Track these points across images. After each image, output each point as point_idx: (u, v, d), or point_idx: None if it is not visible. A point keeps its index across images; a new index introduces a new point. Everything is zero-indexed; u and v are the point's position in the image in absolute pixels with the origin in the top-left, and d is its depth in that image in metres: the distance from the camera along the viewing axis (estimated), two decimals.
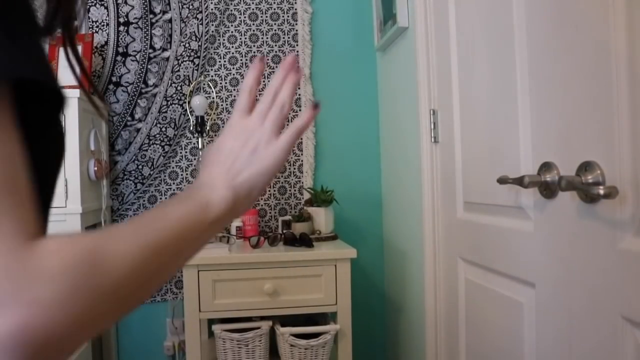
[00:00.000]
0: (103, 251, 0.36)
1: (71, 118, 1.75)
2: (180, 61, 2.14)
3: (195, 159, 2.17)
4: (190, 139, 2.18)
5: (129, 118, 2.12)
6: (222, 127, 2.21)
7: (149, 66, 2.14)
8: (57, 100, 0.40)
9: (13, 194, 0.33)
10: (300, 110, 2.24)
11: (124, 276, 0.37)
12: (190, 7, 2.16)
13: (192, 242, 0.48)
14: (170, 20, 2.17)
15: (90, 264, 0.35)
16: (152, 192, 2.15)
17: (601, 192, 0.78)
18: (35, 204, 0.35)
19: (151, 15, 2.16)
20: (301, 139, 2.23)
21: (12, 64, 0.35)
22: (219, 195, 0.51)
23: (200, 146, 2.09)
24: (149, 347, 2.16)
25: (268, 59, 2.23)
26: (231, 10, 2.22)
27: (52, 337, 0.32)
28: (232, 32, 2.22)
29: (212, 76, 2.21)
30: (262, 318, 1.82)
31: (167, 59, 2.14)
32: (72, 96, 1.75)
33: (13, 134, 0.35)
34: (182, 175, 2.18)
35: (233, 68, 2.21)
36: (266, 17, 2.23)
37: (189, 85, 2.15)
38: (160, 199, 2.15)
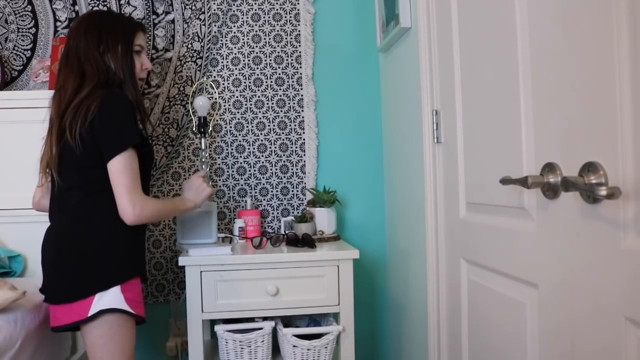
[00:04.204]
0: (157, 209, 1.47)
1: None
2: (182, 62, 2.14)
3: (197, 159, 2.18)
4: (193, 139, 2.19)
5: None
6: (225, 127, 2.21)
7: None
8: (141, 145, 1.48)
9: (137, 179, 1.42)
10: (303, 110, 2.24)
11: (158, 216, 1.52)
12: (193, 7, 2.17)
13: (176, 212, 1.68)
14: (172, 21, 2.17)
15: (154, 212, 1.45)
16: (154, 192, 2.15)
17: (604, 192, 0.78)
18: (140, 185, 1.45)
19: (154, 16, 2.16)
20: (303, 139, 2.24)
21: (133, 137, 1.43)
22: (190, 202, 1.66)
23: (202, 147, 2.09)
24: (152, 347, 2.16)
25: (270, 60, 2.24)
26: (234, 11, 2.22)
27: (140, 221, 1.42)
28: (234, 32, 2.22)
29: (214, 77, 2.21)
30: (265, 318, 1.82)
31: (170, 59, 2.15)
32: None
33: (135, 159, 1.43)
34: (184, 175, 2.18)
35: (235, 69, 2.22)
36: (269, 17, 2.23)
37: (191, 85, 2.16)
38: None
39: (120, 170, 1.38)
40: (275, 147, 2.24)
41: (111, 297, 1.39)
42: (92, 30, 1.51)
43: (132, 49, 1.56)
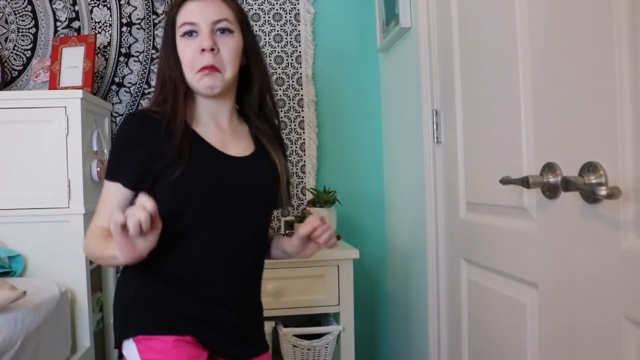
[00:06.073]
0: (87, 248, 1.10)
1: (74, 119, 1.76)
2: None
3: None
4: None
5: None
6: None
7: (151, 67, 2.14)
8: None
9: (101, 212, 1.11)
10: (303, 110, 2.24)
11: (91, 256, 1.12)
12: None
13: (103, 260, 1.09)
14: None
15: (86, 250, 1.11)
16: None
17: (604, 192, 0.78)
18: (106, 216, 1.06)
19: (154, 16, 2.16)
20: (303, 139, 2.24)
21: (110, 172, 1.11)
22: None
23: None
24: None
25: (270, 60, 2.24)
26: None
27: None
28: None
29: None
30: (265, 318, 1.82)
31: None
32: (75, 97, 1.76)
33: (111, 193, 1.10)
34: None
35: None
36: (269, 17, 2.23)
37: None
38: None
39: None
40: None
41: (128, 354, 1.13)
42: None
43: (173, 37, 1.10)
